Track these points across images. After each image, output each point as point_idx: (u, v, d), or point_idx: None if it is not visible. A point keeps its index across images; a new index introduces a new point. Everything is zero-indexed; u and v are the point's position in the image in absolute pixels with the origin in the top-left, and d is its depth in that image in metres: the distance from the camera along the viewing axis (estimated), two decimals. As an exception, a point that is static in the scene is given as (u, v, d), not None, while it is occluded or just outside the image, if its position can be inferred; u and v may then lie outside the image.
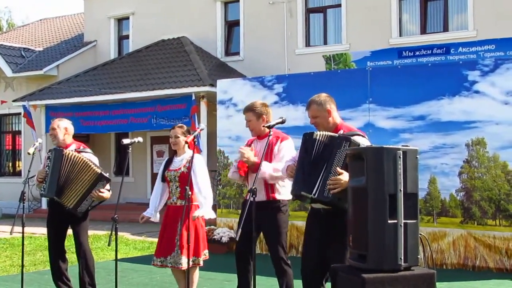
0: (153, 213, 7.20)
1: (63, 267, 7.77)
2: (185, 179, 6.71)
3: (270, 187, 6.55)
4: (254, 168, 6.35)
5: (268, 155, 6.43)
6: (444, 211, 9.80)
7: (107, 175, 7.37)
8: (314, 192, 5.29)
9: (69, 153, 7.38)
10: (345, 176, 5.09)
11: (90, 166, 7.32)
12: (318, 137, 5.41)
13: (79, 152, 7.49)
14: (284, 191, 6.59)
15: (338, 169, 5.17)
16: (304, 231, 5.91)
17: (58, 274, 7.76)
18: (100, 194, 7.28)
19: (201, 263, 6.94)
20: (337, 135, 5.44)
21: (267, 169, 6.37)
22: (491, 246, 9.37)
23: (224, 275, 9.06)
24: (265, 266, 7.09)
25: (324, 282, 5.67)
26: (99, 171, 7.31)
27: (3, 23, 52.79)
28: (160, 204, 7.27)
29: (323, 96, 5.70)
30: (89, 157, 7.51)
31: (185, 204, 6.28)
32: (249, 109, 6.70)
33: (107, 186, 7.38)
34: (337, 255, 5.38)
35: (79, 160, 7.35)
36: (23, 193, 7.28)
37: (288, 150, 6.52)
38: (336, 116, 5.67)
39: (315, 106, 5.64)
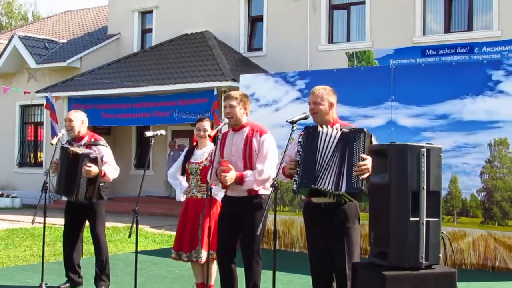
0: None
1: (76, 257, 7.85)
2: (207, 173, 6.71)
3: None
4: (240, 181, 6.13)
5: (247, 149, 6.22)
6: (464, 211, 9.75)
7: (91, 154, 7.44)
8: (334, 186, 5.17)
9: (71, 151, 7.47)
10: (369, 161, 5.02)
11: (77, 154, 7.41)
12: (324, 132, 5.31)
13: (91, 145, 7.57)
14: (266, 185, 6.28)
15: (363, 155, 5.06)
16: (306, 233, 5.76)
17: (70, 264, 7.84)
18: (87, 168, 7.30)
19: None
20: (346, 129, 5.34)
21: (252, 181, 6.13)
22: (511, 247, 9.31)
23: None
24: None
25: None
26: (80, 152, 7.39)
27: (29, 14, 53.25)
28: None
29: (330, 88, 5.64)
30: (100, 149, 7.57)
31: (206, 198, 6.28)
32: (233, 97, 6.38)
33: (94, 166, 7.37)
34: (339, 255, 5.29)
35: (74, 154, 7.43)
36: (45, 183, 7.36)
37: (271, 147, 6.23)
38: (334, 111, 5.60)
39: (321, 92, 5.54)
